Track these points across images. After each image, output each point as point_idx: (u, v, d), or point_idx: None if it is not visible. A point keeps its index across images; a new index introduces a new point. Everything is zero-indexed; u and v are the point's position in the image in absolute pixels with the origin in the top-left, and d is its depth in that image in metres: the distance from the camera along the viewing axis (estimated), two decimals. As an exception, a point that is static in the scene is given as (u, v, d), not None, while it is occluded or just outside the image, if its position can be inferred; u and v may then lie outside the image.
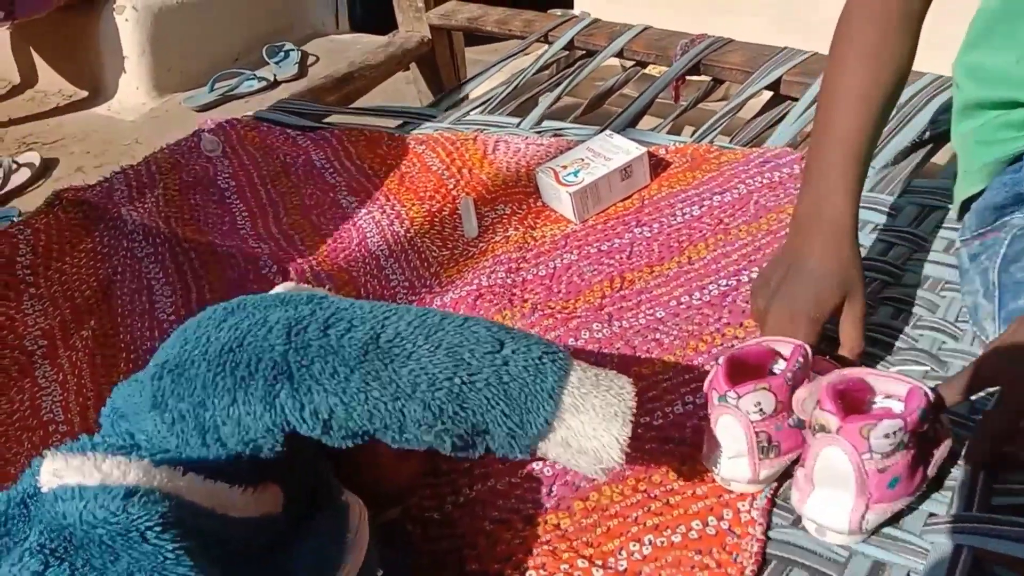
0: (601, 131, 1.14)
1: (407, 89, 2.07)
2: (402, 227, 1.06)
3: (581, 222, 1.02)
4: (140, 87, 2.87)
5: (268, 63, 2.84)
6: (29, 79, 3.20)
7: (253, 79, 2.74)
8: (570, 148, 1.09)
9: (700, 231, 0.95)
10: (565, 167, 1.03)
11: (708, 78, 1.30)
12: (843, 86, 0.73)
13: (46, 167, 2.41)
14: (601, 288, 0.91)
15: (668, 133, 1.19)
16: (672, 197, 1.01)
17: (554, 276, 0.94)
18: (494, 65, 1.47)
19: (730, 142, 1.12)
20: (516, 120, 1.26)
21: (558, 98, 1.30)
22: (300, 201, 1.15)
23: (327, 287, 0.96)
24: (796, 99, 1.16)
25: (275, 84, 2.72)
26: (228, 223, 1.10)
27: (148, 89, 2.87)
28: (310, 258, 1.01)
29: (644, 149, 1.02)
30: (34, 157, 2.37)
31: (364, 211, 1.10)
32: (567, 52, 1.46)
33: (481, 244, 1.01)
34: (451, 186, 1.13)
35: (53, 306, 0.95)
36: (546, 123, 1.24)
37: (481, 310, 0.90)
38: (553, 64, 1.44)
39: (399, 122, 1.34)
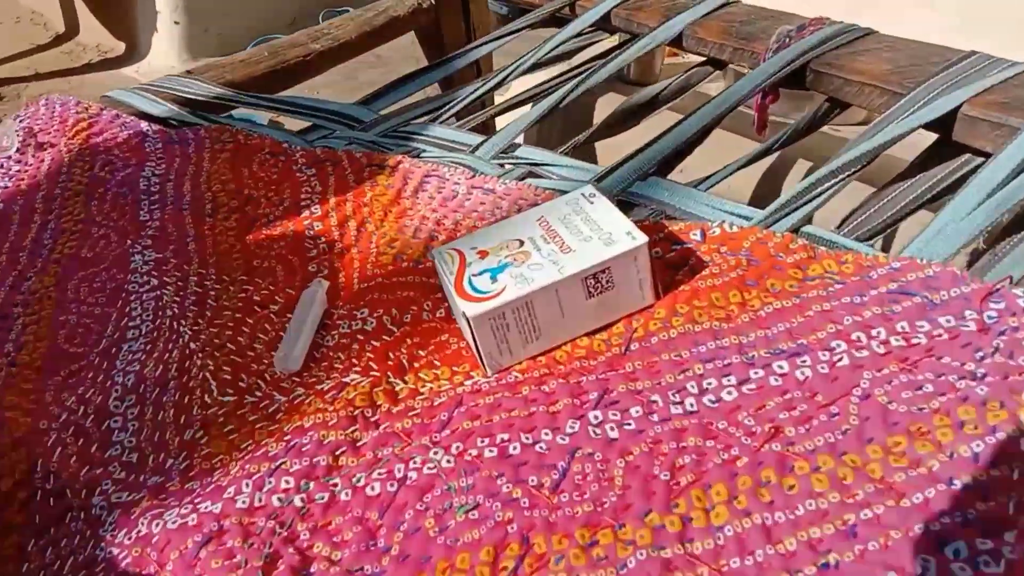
0: (587, 184, 0.62)
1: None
2: (187, 325, 0.57)
3: (494, 374, 0.50)
4: (171, 48, 2.53)
5: (321, 29, 2.43)
6: (72, 30, 2.94)
7: (295, 46, 2.32)
8: (532, 204, 0.58)
9: (745, 445, 0.42)
10: (486, 253, 0.52)
11: (822, 95, 0.74)
12: None
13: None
14: (476, 568, 0.39)
15: (729, 190, 0.65)
16: (693, 344, 0.48)
17: (390, 504, 0.43)
18: (489, 41, 0.96)
19: (839, 229, 0.57)
20: (475, 139, 0.75)
21: (555, 108, 0.78)
22: (75, 248, 0.68)
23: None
24: (987, 154, 0.59)
25: (319, 53, 2.30)
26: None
27: (179, 51, 2.52)
28: (13, 368, 0.55)
29: (643, 239, 0.49)
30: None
31: (152, 281, 0.62)
32: (593, 32, 0.92)
33: (297, 393, 0.52)
34: (313, 251, 0.64)
35: None
36: (523, 150, 0.72)
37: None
38: (574, 50, 0.91)
39: (310, 123, 0.85)
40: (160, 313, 0.59)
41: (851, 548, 0.36)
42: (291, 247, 0.64)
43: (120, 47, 2.76)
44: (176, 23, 2.48)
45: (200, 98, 0.90)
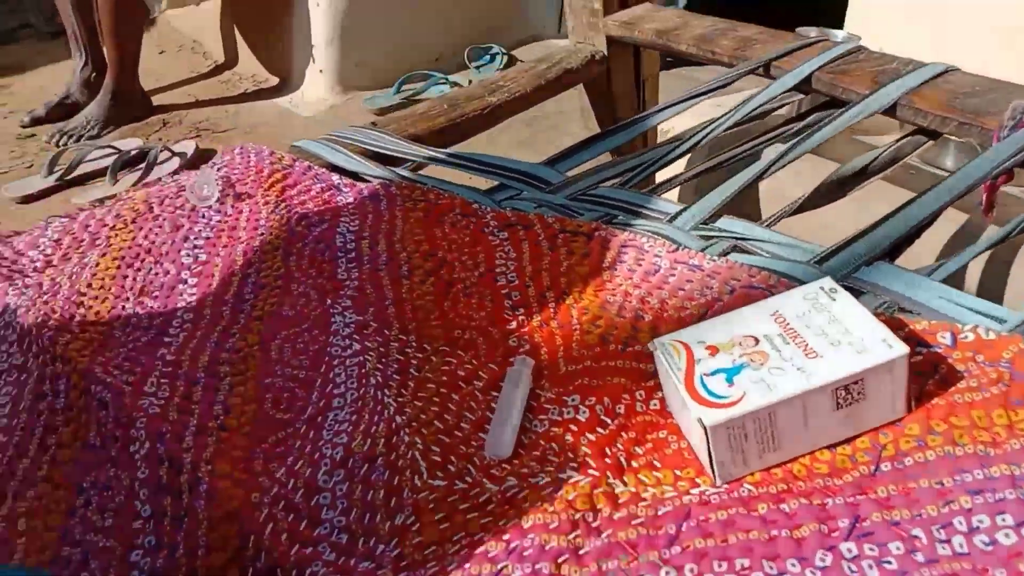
0: (815, 275, 0.57)
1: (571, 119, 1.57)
2: (391, 396, 0.57)
3: (724, 484, 0.47)
4: (323, 81, 2.63)
5: (469, 67, 2.49)
6: (231, 60, 3.11)
7: (445, 83, 2.39)
8: (746, 286, 0.54)
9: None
10: (716, 349, 0.48)
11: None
12: None
13: (200, 158, 2.21)
14: None
15: (971, 283, 0.60)
16: (956, 471, 0.43)
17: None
18: (679, 102, 0.93)
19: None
20: (673, 208, 0.72)
21: (760, 177, 0.74)
22: (276, 305, 0.70)
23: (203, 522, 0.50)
24: None
25: (469, 90, 2.35)
26: (137, 346, 0.67)
27: (331, 84, 2.62)
28: (208, 447, 0.55)
29: (903, 349, 0.45)
30: (189, 147, 2.16)
31: (355, 345, 0.62)
32: (800, 97, 0.88)
33: (509, 484, 0.50)
34: (513, 323, 0.63)
35: None
36: (724, 222, 0.69)
37: None
38: (781, 114, 0.88)
39: (495, 183, 0.84)
40: (364, 381, 0.59)
41: None
42: (491, 318, 0.63)
43: (274, 79, 2.89)
44: (321, 71, 2.58)
45: (387, 152, 0.91)
